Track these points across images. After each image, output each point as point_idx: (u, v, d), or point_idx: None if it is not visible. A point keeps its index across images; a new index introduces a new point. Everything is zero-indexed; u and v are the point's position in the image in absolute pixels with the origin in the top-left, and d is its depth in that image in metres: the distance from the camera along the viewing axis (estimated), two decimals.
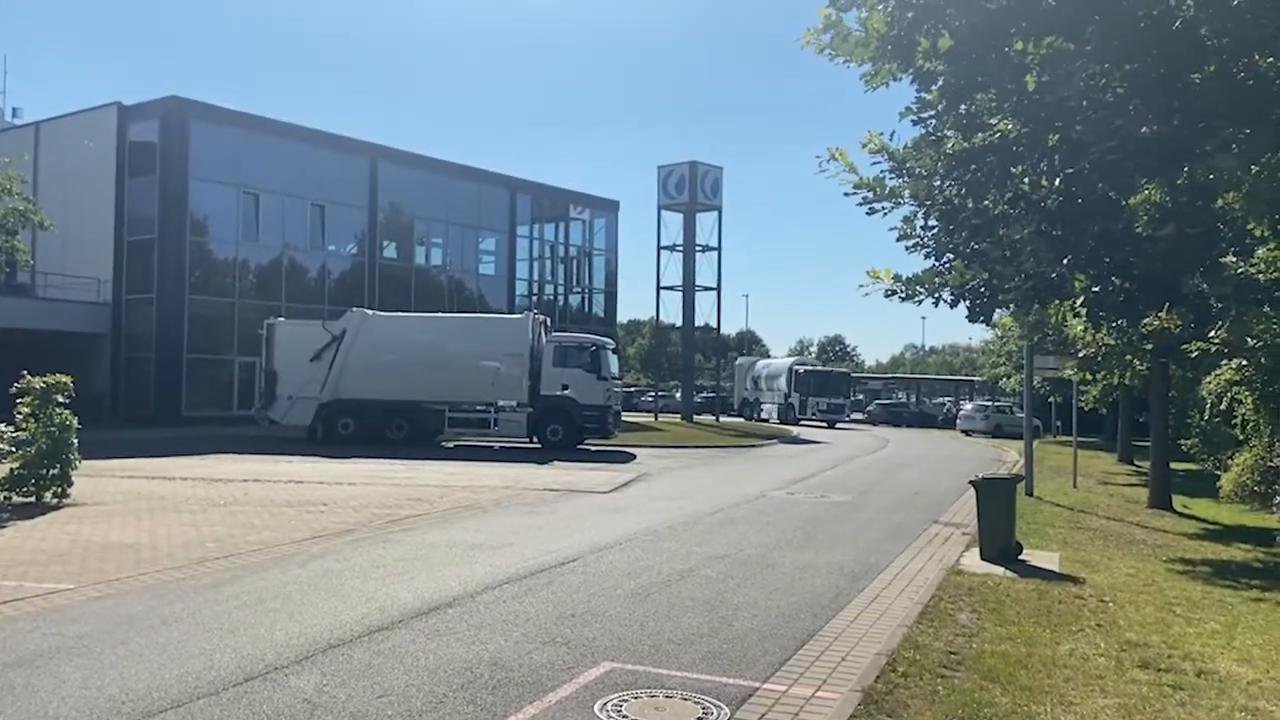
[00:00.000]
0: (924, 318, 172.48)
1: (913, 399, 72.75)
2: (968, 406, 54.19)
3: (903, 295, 5.81)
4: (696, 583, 9.88)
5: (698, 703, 6.13)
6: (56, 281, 37.07)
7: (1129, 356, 18.74)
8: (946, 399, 69.19)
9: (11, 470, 14.54)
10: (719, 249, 52.07)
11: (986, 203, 5.45)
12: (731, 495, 18.08)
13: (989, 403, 53.45)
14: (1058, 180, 5.03)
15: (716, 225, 51.79)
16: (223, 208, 38.40)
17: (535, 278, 52.44)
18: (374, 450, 26.34)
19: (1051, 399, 36.37)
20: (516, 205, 50.37)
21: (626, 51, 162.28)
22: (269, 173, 39.49)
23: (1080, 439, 27.03)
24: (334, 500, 15.65)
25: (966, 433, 48.35)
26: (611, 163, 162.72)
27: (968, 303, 5.71)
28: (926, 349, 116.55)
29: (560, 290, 54.04)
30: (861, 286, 6.04)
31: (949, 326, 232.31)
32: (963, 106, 5.17)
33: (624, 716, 5.86)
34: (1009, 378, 52.41)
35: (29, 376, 14.91)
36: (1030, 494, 19.38)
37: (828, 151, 5.50)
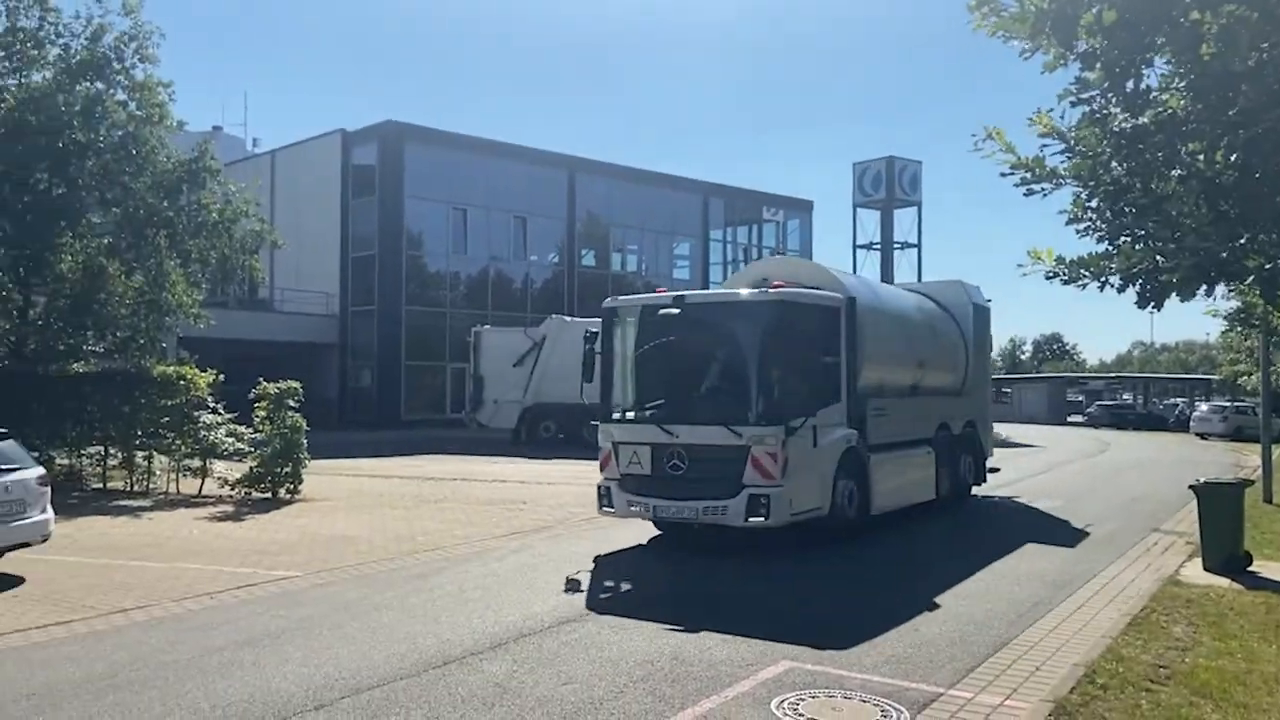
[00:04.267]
0: (1152, 313, 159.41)
1: (1139, 400, 67.69)
2: (1203, 407, 49.72)
3: (1065, 278, 5.36)
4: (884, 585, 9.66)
5: (876, 704, 6.03)
6: (291, 296, 40.53)
7: None
8: (1179, 399, 63.92)
9: (251, 468, 16.08)
10: (919, 246, 50.45)
11: (1154, 184, 4.98)
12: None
13: (1228, 403, 48.86)
14: (1234, 156, 4.53)
15: (916, 221, 50.16)
16: (434, 223, 40.90)
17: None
18: (575, 452, 27.10)
19: None
20: (709, 209, 50.73)
21: (814, 50, 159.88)
22: (475, 188, 41.65)
23: None
24: (534, 499, 16.33)
25: (1202, 436, 44.49)
26: (803, 162, 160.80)
27: (1136, 287, 5.16)
28: (1157, 346, 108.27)
29: None
30: (1020, 267, 5.66)
31: (1184, 322, 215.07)
32: (1129, 84, 4.78)
33: (800, 715, 5.84)
34: (1250, 375, 47.78)
35: (264, 383, 16.44)
36: (1269, 501, 17.66)
37: (984, 130, 5.20)
